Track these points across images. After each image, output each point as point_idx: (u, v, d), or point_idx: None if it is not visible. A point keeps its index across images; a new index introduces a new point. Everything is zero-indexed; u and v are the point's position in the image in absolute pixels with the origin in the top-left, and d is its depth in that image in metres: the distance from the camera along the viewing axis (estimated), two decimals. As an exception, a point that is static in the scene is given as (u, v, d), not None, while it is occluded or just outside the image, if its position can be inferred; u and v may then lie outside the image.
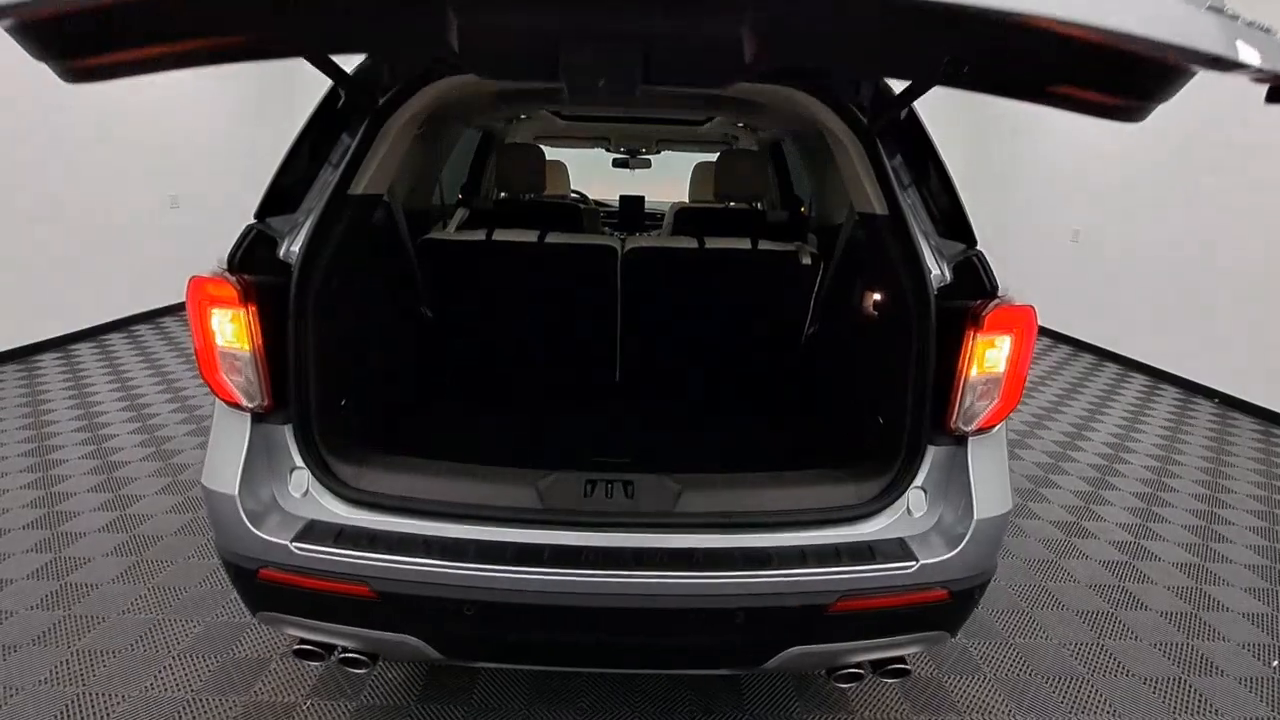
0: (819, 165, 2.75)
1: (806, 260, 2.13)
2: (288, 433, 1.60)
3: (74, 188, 5.62)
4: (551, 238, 2.15)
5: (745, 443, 2.01)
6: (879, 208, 1.76)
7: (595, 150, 5.41)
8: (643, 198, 5.19)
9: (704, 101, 2.64)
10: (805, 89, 1.81)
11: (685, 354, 2.36)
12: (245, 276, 1.49)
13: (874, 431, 1.88)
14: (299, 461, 1.60)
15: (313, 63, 1.51)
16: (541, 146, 3.86)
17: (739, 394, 2.37)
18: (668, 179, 5.66)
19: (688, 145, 4.92)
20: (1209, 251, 5.64)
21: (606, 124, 4.41)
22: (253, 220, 1.62)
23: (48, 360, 5.32)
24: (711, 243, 2.15)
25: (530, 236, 2.15)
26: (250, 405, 1.57)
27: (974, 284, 1.57)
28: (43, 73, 1.04)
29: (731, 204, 3.02)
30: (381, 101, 1.77)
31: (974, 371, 1.54)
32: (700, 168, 4.01)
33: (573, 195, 4.98)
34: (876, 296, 2.00)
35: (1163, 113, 1.13)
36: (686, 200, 4.41)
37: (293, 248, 1.60)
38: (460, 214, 2.22)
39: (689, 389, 2.38)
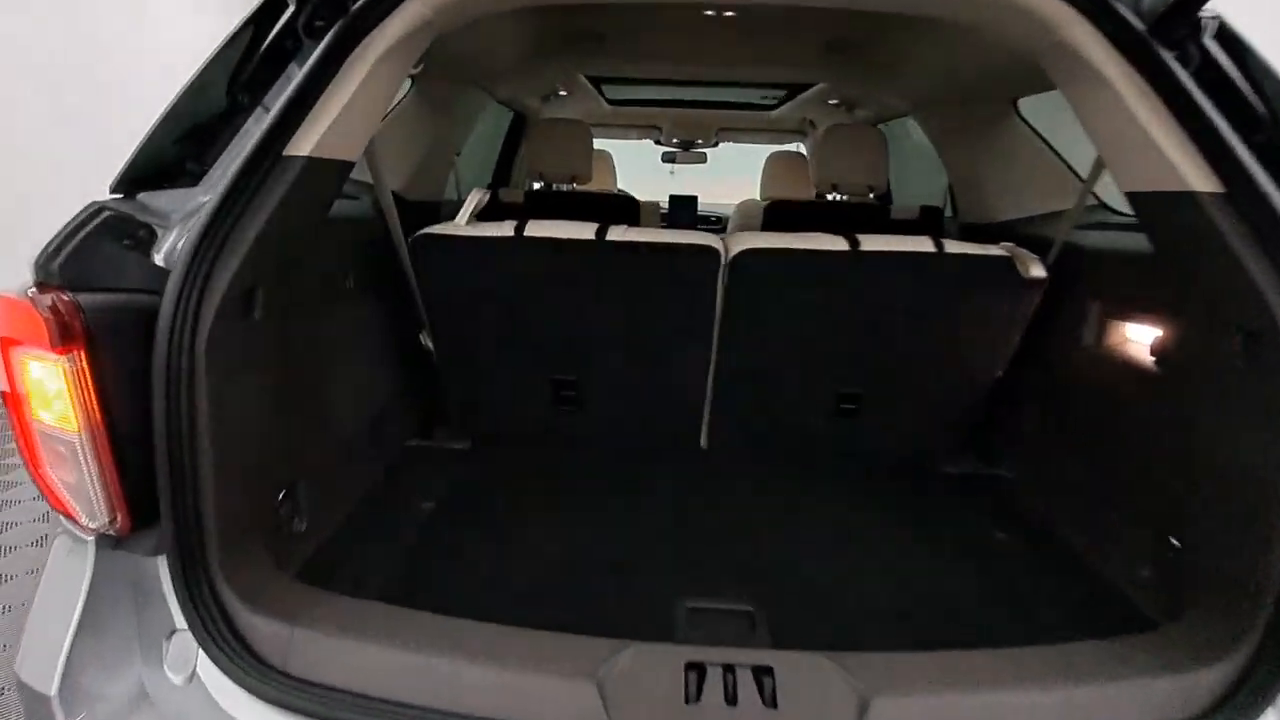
0: (984, 137, 2.00)
1: (1037, 272, 1.37)
2: (162, 570, 0.92)
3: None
4: (615, 233, 1.44)
5: (929, 567, 1.27)
6: (1197, 180, 1.01)
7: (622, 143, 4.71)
8: (695, 198, 4.46)
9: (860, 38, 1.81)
10: None
11: (813, 409, 1.61)
12: (68, 297, 0.80)
13: (1165, 566, 1.14)
14: (180, 621, 0.91)
15: None
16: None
17: (904, 477, 1.60)
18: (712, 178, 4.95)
19: (755, 134, 4.19)
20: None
21: (660, 108, 3.70)
22: (109, 195, 0.94)
23: None
24: (870, 243, 1.42)
25: (584, 231, 1.44)
26: (92, 525, 0.88)
27: None
28: None
29: (837, 197, 2.28)
30: (354, 7, 1.09)
31: None
32: (781, 159, 3.27)
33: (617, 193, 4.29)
34: (1158, 335, 1.25)
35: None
36: (756, 199, 3.69)
37: (180, 245, 0.92)
38: (477, 197, 1.53)
39: (817, 467, 1.63)
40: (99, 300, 0.83)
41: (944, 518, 1.44)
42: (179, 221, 0.96)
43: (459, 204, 2.51)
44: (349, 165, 1.20)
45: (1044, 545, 1.34)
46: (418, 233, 1.45)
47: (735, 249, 1.41)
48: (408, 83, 2.07)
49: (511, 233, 1.43)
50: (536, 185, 2.54)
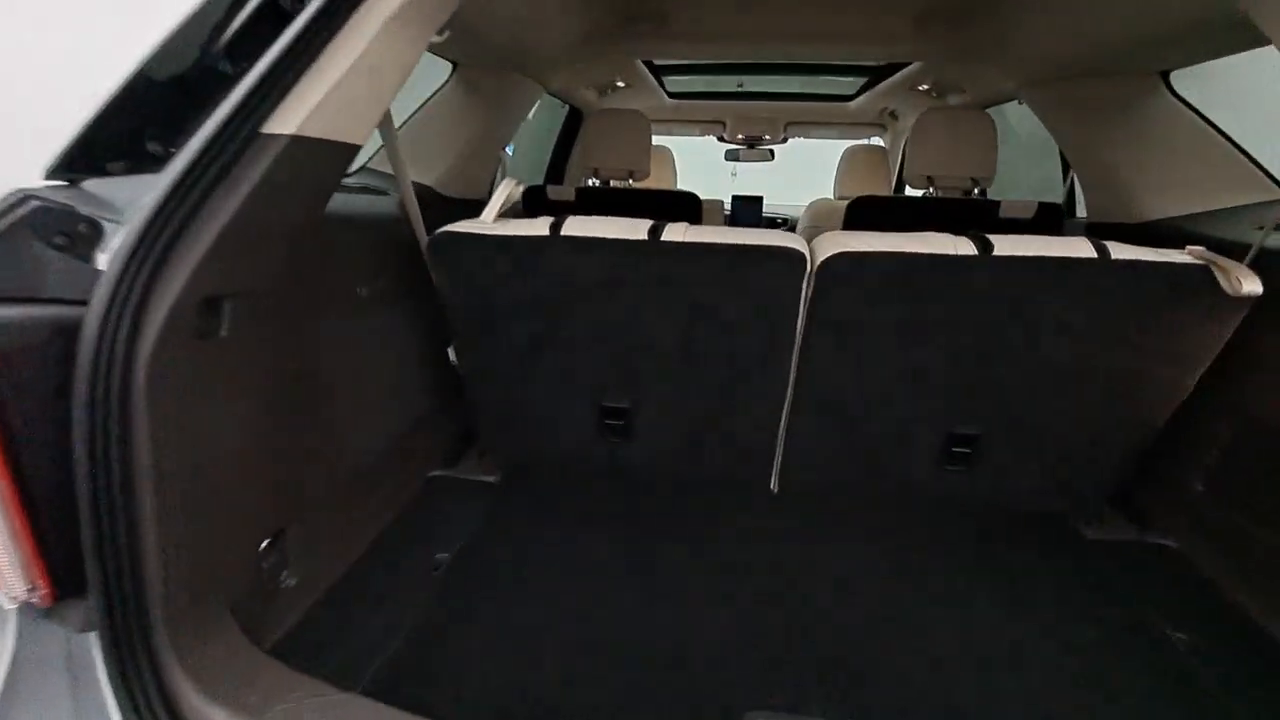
0: (1113, 124, 1.66)
1: (1251, 287, 1.04)
2: (95, 649, 0.73)
3: None
4: (673, 233, 1.20)
5: (1087, 677, 0.96)
6: None
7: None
8: (761, 197, 4.16)
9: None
10: None
11: (916, 453, 1.31)
12: None
13: None
14: (115, 713, 0.73)
15: None
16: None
17: (1035, 542, 1.27)
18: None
19: (827, 128, 3.87)
20: None
21: (724, 101, 3.44)
22: (43, 181, 0.77)
23: None
24: (1005, 245, 1.12)
25: (635, 230, 1.20)
26: (8, 593, 0.71)
27: None
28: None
29: (935, 191, 1.96)
30: None
31: None
32: (859, 153, 2.97)
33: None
34: None
35: None
36: (829, 197, 3.38)
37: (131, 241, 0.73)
38: (507, 189, 1.31)
39: (920, 525, 1.33)
40: (7, 316, 0.66)
41: (1095, 602, 1.12)
42: (130, 214, 0.78)
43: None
44: (352, 149, 1.00)
45: (1244, 647, 1.01)
46: (436, 231, 1.25)
47: (825, 252, 1.14)
48: (448, 69, 1.89)
49: (547, 231, 1.20)
50: (592, 182, 2.34)
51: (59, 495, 0.69)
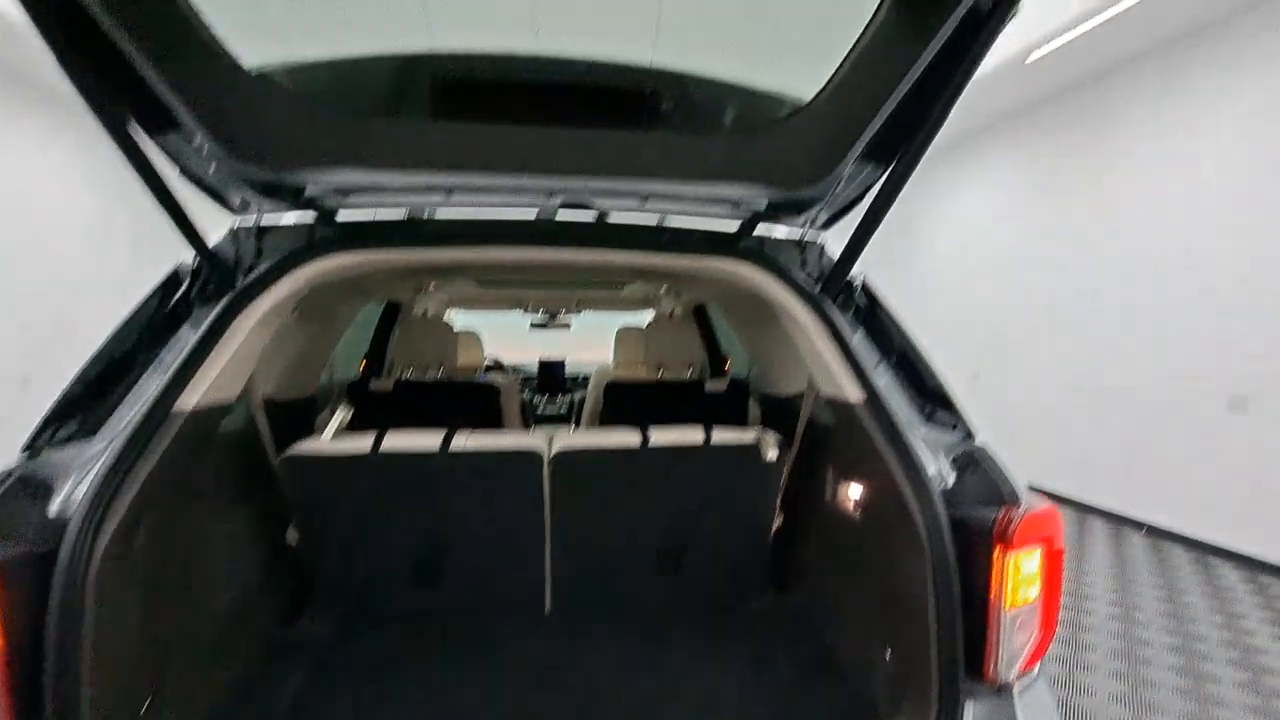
0: (758, 331, 2.57)
1: (772, 454, 1.83)
2: None
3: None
4: (459, 442, 1.76)
5: (718, 686, 1.55)
6: (851, 394, 1.50)
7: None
8: (563, 362, 4.95)
9: (632, 273, 2.45)
10: (748, 260, 1.61)
11: (639, 570, 1.92)
12: None
13: (883, 670, 1.50)
14: None
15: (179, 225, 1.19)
16: (452, 317, 3.59)
17: (721, 620, 1.92)
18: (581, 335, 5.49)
19: (611, 305, 4.80)
20: (1098, 377, 5.93)
21: (524, 289, 4.22)
22: (19, 457, 1.15)
23: None
24: (657, 436, 1.82)
25: (431, 442, 1.75)
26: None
27: (984, 487, 1.29)
28: None
29: (664, 375, 2.77)
30: (243, 283, 1.41)
31: (1009, 600, 1.22)
32: (626, 334, 3.82)
33: (488, 363, 4.67)
34: (857, 496, 1.71)
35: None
36: (610, 364, 4.19)
37: (76, 494, 1.13)
38: (340, 415, 1.80)
39: (649, 617, 1.91)
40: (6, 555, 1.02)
41: (749, 652, 1.76)
42: (75, 471, 1.17)
43: (331, 390, 2.75)
44: (228, 406, 1.46)
45: (823, 668, 1.68)
46: (285, 453, 1.69)
47: (555, 449, 1.78)
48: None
49: (369, 450, 1.71)
50: (406, 375, 2.86)
51: (31, 670, 1.02)
